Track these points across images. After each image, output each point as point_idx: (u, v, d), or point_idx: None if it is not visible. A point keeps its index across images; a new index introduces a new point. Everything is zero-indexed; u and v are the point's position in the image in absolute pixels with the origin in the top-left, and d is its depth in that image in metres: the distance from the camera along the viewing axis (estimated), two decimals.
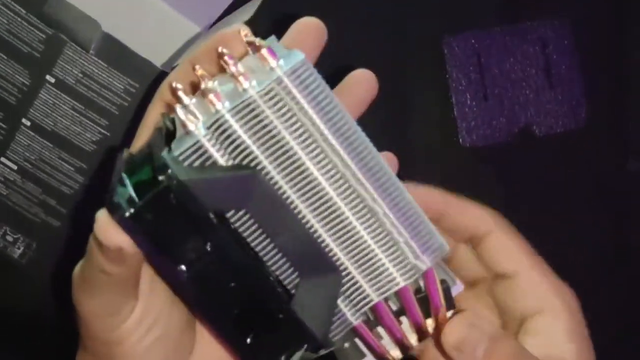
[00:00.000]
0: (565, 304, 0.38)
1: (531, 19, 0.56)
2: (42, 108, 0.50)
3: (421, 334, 0.35)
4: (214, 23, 0.50)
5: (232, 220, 0.31)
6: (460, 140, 0.56)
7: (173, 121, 0.30)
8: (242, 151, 0.30)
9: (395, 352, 0.36)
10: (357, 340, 0.35)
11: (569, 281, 0.51)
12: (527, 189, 0.56)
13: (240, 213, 0.31)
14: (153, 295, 0.33)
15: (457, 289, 0.36)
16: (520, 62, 0.56)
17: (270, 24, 0.49)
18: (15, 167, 0.51)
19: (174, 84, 0.30)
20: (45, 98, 0.50)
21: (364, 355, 0.36)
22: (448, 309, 0.35)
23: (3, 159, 0.51)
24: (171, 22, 0.48)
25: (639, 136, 0.57)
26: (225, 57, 0.30)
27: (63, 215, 0.51)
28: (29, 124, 0.50)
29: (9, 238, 0.52)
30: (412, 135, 0.56)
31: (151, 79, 0.49)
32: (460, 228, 0.38)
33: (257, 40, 0.30)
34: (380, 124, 0.51)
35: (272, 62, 0.30)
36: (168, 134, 0.30)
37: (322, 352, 0.34)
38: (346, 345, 0.35)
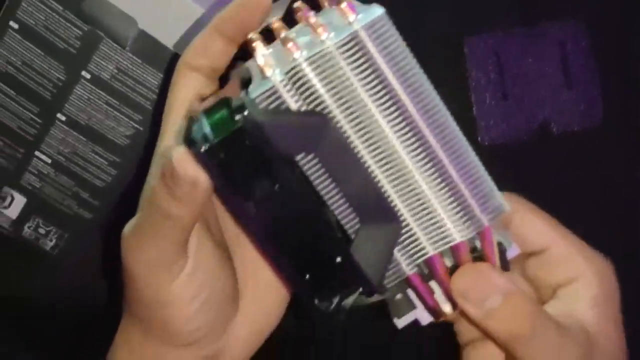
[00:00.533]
0: (596, 272, 0.37)
1: (549, 20, 0.56)
2: (77, 103, 0.50)
3: None
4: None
5: (300, 163, 0.32)
6: (479, 137, 0.56)
7: (247, 70, 0.32)
8: (315, 99, 0.32)
9: (446, 307, 0.36)
10: (409, 292, 0.36)
11: None
12: (542, 185, 0.56)
13: (309, 157, 0.32)
14: (201, 256, 0.34)
15: (513, 252, 0.36)
16: (538, 62, 0.56)
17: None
18: (49, 161, 0.51)
19: (250, 35, 0.32)
20: (80, 93, 0.50)
21: (414, 307, 0.37)
22: (503, 270, 0.35)
23: (37, 153, 0.51)
24: (204, 22, 0.50)
25: None
26: (304, 9, 0.31)
27: (96, 207, 0.52)
28: (64, 118, 0.50)
29: (42, 230, 0.52)
30: None
31: None
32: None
33: None
34: None
35: (351, 16, 0.31)
36: (244, 82, 0.32)
37: (376, 298, 0.35)
38: (398, 296, 0.36)
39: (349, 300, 0.34)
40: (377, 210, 0.33)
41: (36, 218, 0.52)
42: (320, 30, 0.31)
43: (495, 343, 0.36)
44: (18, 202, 0.52)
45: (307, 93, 0.32)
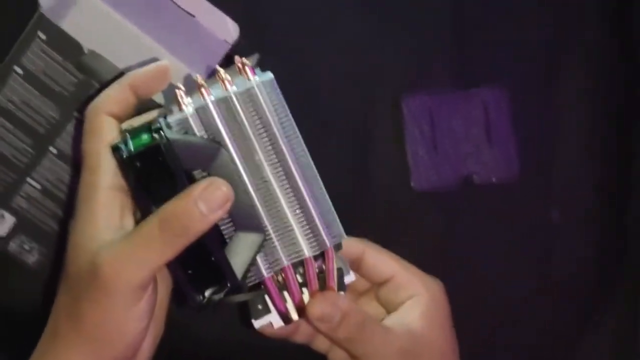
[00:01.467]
0: (429, 292, 0.48)
1: (476, 85, 0.60)
2: (67, 139, 0.52)
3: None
4: (211, 75, 0.53)
5: (197, 178, 0.41)
6: (412, 184, 0.60)
7: (167, 108, 0.42)
8: (214, 131, 0.42)
9: (294, 314, 0.45)
10: (267, 299, 0.45)
11: (496, 311, 0.58)
12: (466, 228, 0.60)
13: (204, 174, 0.41)
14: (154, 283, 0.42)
15: (349, 278, 0.46)
16: (465, 121, 0.60)
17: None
18: (39, 187, 0.53)
19: (180, 85, 0.42)
20: (70, 130, 0.52)
21: (270, 311, 0.45)
22: (339, 289, 0.45)
23: (29, 179, 0.53)
24: (180, 76, 0.52)
25: (559, 191, 0.61)
26: (219, 70, 0.42)
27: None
28: (55, 151, 0.53)
29: (26, 246, 0.55)
30: (373, 179, 0.59)
31: None
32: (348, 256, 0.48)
33: (242, 61, 0.43)
34: (345, 168, 0.59)
35: (251, 76, 0.42)
36: (162, 115, 0.41)
37: (241, 298, 0.43)
38: (258, 302, 0.45)
39: (218, 295, 0.41)
40: (248, 221, 0.42)
41: (22, 236, 0.54)
42: (227, 83, 0.42)
43: (341, 347, 0.46)
44: (7, 221, 0.54)
45: (210, 125, 0.42)
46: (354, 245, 0.49)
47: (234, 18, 0.56)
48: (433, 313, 0.48)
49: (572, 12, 0.60)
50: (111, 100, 0.42)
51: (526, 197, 0.61)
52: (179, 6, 0.56)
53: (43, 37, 0.51)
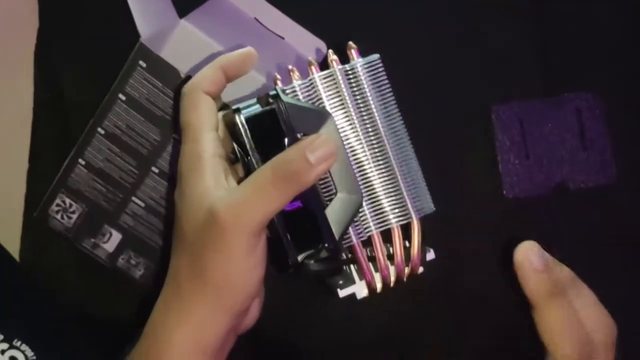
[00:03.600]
0: None
1: (566, 90, 0.60)
2: (167, 158, 0.56)
3: (398, 273, 0.48)
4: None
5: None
6: (504, 192, 0.60)
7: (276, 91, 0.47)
8: (319, 101, 0.47)
9: (379, 285, 0.48)
10: (352, 269, 0.48)
11: None
12: (561, 235, 0.59)
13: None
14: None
15: (430, 255, 0.49)
16: (556, 127, 0.60)
17: None
18: (143, 204, 0.57)
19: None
20: (170, 151, 0.56)
21: (354, 282, 0.48)
22: (420, 262, 0.48)
23: (134, 198, 0.57)
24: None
25: None
26: (330, 51, 0.48)
27: None
28: (157, 170, 0.56)
29: (132, 261, 0.58)
30: (464, 188, 0.60)
31: None
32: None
33: (350, 44, 0.49)
34: (436, 178, 0.57)
35: (355, 57, 0.48)
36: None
37: (327, 265, 0.46)
38: (342, 279, 0.48)
39: (316, 255, 0.45)
40: (349, 184, 0.45)
41: (129, 251, 0.58)
42: (334, 62, 0.48)
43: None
44: (115, 238, 0.57)
45: (315, 98, 0.47)
46: None
47: (320, 36, 0.59)
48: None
49: None
50: (206, 79, 0.47)
51: (625, 202, 0.60)
52: (269, 29, 0.59)
53: (143, 65, 0.55)
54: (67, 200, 0.58)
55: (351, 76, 0.48)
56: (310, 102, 0.47)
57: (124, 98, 0.55)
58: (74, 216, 0.57)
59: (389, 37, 0.60)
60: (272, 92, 0.46)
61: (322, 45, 0.59)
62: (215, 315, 0.44)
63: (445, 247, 0.55)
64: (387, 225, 0.47)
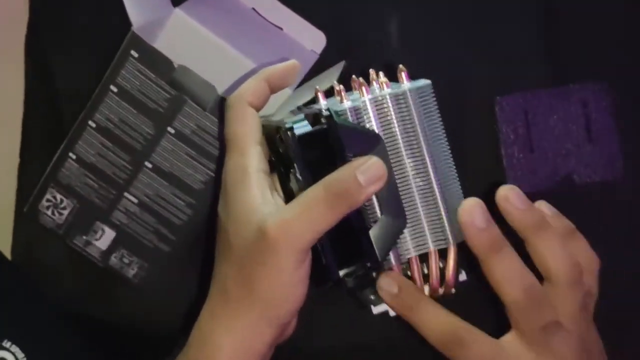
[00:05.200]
0: None
1: (572, 82, 0.59)
2: (162, 153, 0.55)
3: (432, 292, 0.50)
4: (299, 85, 0.56)
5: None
6: None
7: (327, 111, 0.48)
8: (368, 124, 0.48)
9: None
10: None
11: (600, 322, 0.55)
12: None
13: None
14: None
15: (462, 277, 0.50)
16: (562, 119, 0.59)
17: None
18: (136, 201, 0.56)
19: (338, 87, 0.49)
20: (165, 145, 0.55)
21: None
22: (454, 284, 0.49)
23: (126, 194, 0.56)
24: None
25: None
26: (380, 73, 0.49)
27: (173, 242, 0.57)
28: (150, 166, 0.56)
29: (126, 260, 0.58)
30: (467, 182, 0.55)
31: None
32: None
33: (400, 67, 0.49)
34: None
35: (405, 81, 0.49)
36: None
37: (368, 290, 0.48)
38: (374, 297, 0.50)
39: (359, 272, 0.47)
40: (392, 208, 0.47)
41: (122, 249, 0.57)
42: (384, 85, 0.48)
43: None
44: (108, 236, 0.57)
45: (364, 120, 0.48)
46: None
47: (320, 27, 0.58)
48: None
49: None
50: (251, 91, 0.49)
51: (632, 196, 0.60)
52: (267, 20, 0.58)
53: (136, 55, 0.54)
54: (58, 196, 0.58)
55: (401, 101, 0.49)
56: (357, 122, 0.49)
57: (115, 90, 0.55)
58: (65, 212, 0.58)
59: (390, 27, 0.60)
60: (326, 113, 0.47)
61: (321, 36, 0.58)
62: (262, 325, 0.46)
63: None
64: (425, 249, 0.49)
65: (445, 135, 0.50)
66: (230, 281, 0.47)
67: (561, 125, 0.60)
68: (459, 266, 0.50)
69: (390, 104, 0.49)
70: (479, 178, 0.59)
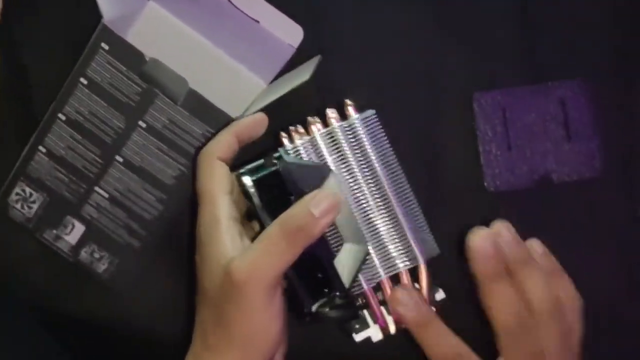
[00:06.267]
0: None
1: (551, 79, 0.59)
2: (133, 147, 0.55)
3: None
4: (274, 79, 0.56)
5: None
6: (486, 184, 0.59)
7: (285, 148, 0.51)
8: (322, 158, 0.50)
9: (393, 328, 0.52)
10: (366, 315, 0.51)
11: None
12: (544, 229, 0.58)
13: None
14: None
15: (439, 295, 0.52)
16: (541, 117, 0.59)
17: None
18: (107, 196, 0.56)
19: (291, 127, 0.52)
20: (136, 139, 0.55)
21: (368, 326, 0.50)
22: (430, 303, 0.50)
23: (97, 188, 0.56)
24: (243, 80, 0.55)
25: None
26: (328, 110, 0.51)
27: (143, 237, 0.57)
28: (121, 160, 0.55)
29: (96, 255, 0.57)
30: (444, 180, 0.59)
31: (225, 126, 0.54)
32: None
33: (348, 102, 0.52)
34: (415, 169, 0.57)
35: (353, 114, 0.51)
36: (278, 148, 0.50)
37: (340, 312, 0.49)
38: (358, 323, 0.51)
39: (330, 302, 0.48)
40: (354, 234, 0.49)
41: (92, 244, 0.57)
42: (333, 120, 0.51)
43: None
44: (78, 230, 0.57)
45: (317, 154, 0.50)
46: None
47: (298, 21, 0.57)
48: None
49: None
50: (220, 146, 0.51)
51: (609, 195, 0.60)
52: (243, 12, 0.57)
53: (106, 47, 0.53)
54: (27, 190, 0.57)
55: (349, 132, 0.52)
56: (314, 157, 0.51)
57: (85, 82, 0.54)
58: (35, 206, 0.57)
59: (369, 23, 0.59)
60: (276, 154, 0.50)
61: (298, 29, 0.57)
62: None
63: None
64: (395, 270, 0.51)
65: (396, 158, 0.53)
66: (208, 325, 0.49)
67: (539, 122, 0.60)
68: (433, 285, 0.52)
69: (341, 136, 0.51)
70: (456, 175, 0.59)
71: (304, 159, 0.51)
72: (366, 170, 0.52)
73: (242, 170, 0.50)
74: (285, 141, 0.52)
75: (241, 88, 0.55)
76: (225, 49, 0.55)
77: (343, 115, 0.54)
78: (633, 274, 0.59)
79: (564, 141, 0.60)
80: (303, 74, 0.54)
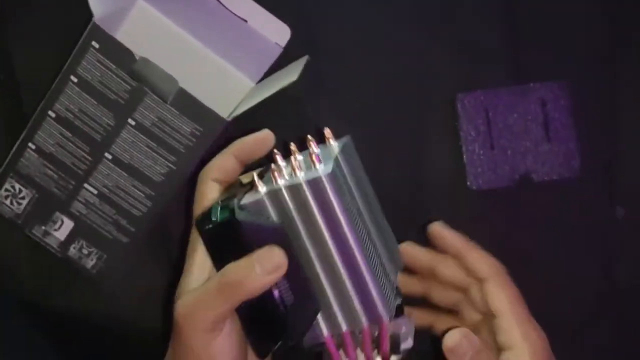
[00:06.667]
0: (530, 347, 0.50)
1: (533, 81, 0.60)
2: (122, 145, 0.55)
3: None
4: (262, 78, 0.57)
5: None
6: (469, 183, 0.60)
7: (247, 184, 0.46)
8: (283, 212, 0.45)
9: None
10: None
11: (558, 318, 0.58)
12: (525, 227, 0.60)
13: None
14: (233, 322, 0.46)
15: (407, 344, 0.49)
16: (522, 118, 0.60)
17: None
18: (95, 192, 0.56)
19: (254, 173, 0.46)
20: (125, 137, 0.55)
21: None
22: (393, 353, 0.48)
23: (86, 185, 0.56)
24: (230, 79, 0.55)
25: (624, 187, 0.61)
26: (294, 153, 0.45)
27: (132, 233, 0.57)
28: (110, 157, 0.56)
29: (84, 251, 0.58)
30: (427, 179, 0.60)
31: (213, 125, 0.55)
32: (470, 269, 0.51)
33: (312, 148, 0.45)
34: (400, 168, 0.59)
35: (317, 165, 0.45)
36: (245, 189, 0.46)
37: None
38: None
39: (277, 348, 0.47)
40: (305, 291, 0.47)
41: (81, 240, 0.57)
42: (297, 170, 0.45)
43: None
44: (67, 226, 0.57)
45: (279, 206, 0.46)
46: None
47: (285, 21, 0.58)
48: None
49: (630, 2, 0.60)
50: (216, 167, 0.48)
51: (588, 195, 0.60)
52: (231, 12, 0.58)
53: (96, 46, 0.54)
54: (17, 186, 0.57)
55: (314, 187, 0.46)
56: (275, 208, 0.47)
57: (75, 80, 0.55)
58: (24, 202, 0.57)
59: (352, 22, 0.60)
60: (230, 207, 0.46)
61: (285, 29, 0.58)
62: None
63: (408, 240, 0.56)
64: (358, 325, 0.48)
65: (362, 213, 0.48)
66: (169, 353, 0.48)
67: (521, 123, 0.60)
68: (402, 335, 0.49)
69: (306, 190, 0.46)
70: (439, 174, 0.60)
71: (256, 216, 0.47)
72: (330, 227, 0.46)
73: (195, 220, 0.47)
74: (257, 183, 0.47)
75: (229, 87, 0.55)
76: (213, 48, 0.56)
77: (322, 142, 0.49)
78: (612, 272, 0.60)
79: (543, 141, 0.60)
80: (291, 74, 0.54)
